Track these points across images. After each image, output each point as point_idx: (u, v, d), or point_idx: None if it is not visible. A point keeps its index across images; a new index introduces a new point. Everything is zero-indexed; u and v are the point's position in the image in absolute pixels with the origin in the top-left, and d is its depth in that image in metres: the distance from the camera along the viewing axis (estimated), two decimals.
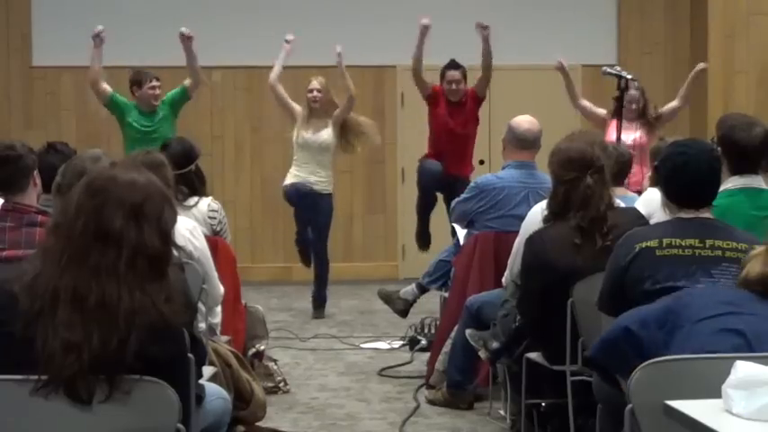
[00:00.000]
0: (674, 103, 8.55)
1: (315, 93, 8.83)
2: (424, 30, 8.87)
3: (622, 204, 4.98)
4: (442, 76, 8.74)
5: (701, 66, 8.83)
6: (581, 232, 4.56)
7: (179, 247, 3.04)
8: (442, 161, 8.70)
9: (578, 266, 4.45)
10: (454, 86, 8.66)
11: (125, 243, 2.76)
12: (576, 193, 4.59)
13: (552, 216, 4.72)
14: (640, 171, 7.57)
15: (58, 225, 2.84)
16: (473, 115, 8.83)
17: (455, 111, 8.73)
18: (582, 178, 4.59)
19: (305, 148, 8.86)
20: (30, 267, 2.80)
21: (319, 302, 9.23)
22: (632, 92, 8.05)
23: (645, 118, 8.23)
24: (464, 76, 8.68)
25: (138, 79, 8.68)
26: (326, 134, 8.84)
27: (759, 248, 3.10)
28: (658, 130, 8.27)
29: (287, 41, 9.14)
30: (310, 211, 8.92)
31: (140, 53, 11.00)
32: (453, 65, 8.73)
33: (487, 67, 8.72)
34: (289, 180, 8.95)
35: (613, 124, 7.93)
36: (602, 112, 8.44)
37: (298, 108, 8.94)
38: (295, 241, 9.21)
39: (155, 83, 8.68)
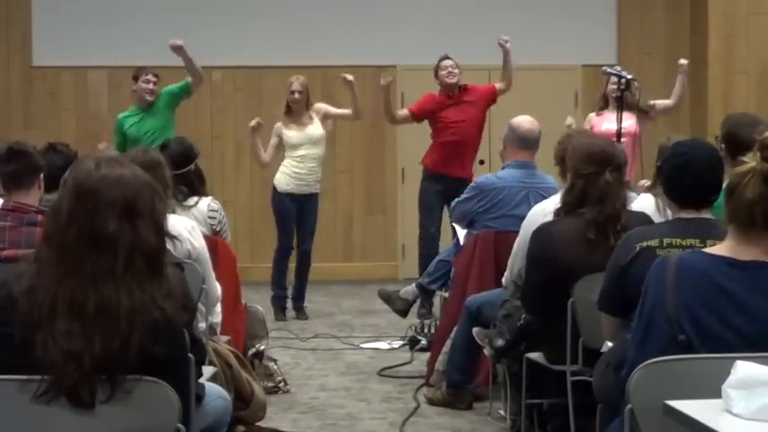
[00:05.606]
0: (668, 102, 8.24)
1: (296, 94, 8.83)
2: (386, 88, 8.77)
3: None
4: (437, 69, 8.68)
5: (682, 62, 8.38)
6: (596, 227, 4.55)
7: (173, 237, 3.00)
8: (448, 167, 8.59)
9: (587, 262, 4.41)
10: (450, 69, 8.60)
11: (121, 244, 2.73)
12: (595, 187, 4.58)
13: (564, 208, 4.70)
14: (631, 162, 7.36)
15: (50, 234, 2.79)
16: (479, 109, 8.71)
17: (458, 105, 8.64)
18: (601, 174, 4.59)
19: (295, 147, 8.87)
20: (26, 269, 2.77)
21: (300, 303, 9.22)
22: (611, 86, 7.78)
23: (638, 108, 7.79)
24: (457, 68, 8.65)
25: (136, 75, 8.71)
26: (314, 128, 8.88)
27: None
28: (652, 121, 8.07)
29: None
30: (302, 215, 8.95)
31: (140, 53, 10.98)
32: (446, 57, 8.71)
33: (508, 80, 8.75)
34: (285, 185, 8.94)
35: (600, 119, 7.84)
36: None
37: (277, 129, 8.97)
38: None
39: (150, 77, 8.69)
